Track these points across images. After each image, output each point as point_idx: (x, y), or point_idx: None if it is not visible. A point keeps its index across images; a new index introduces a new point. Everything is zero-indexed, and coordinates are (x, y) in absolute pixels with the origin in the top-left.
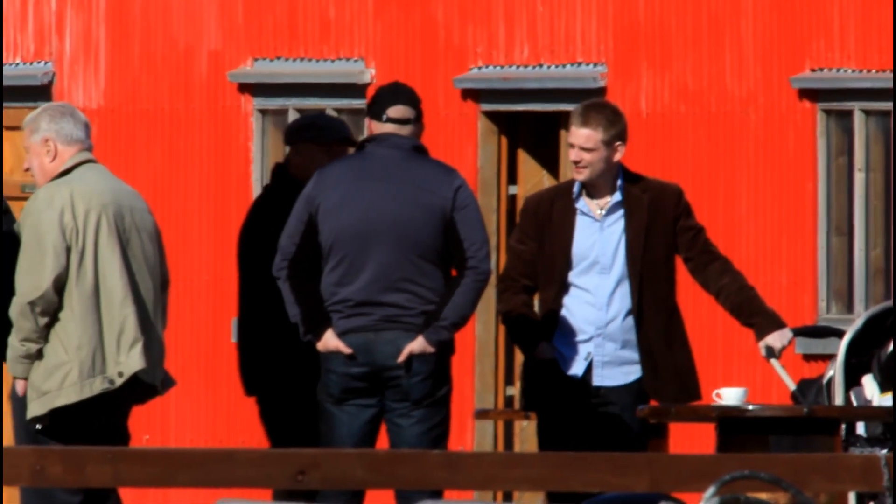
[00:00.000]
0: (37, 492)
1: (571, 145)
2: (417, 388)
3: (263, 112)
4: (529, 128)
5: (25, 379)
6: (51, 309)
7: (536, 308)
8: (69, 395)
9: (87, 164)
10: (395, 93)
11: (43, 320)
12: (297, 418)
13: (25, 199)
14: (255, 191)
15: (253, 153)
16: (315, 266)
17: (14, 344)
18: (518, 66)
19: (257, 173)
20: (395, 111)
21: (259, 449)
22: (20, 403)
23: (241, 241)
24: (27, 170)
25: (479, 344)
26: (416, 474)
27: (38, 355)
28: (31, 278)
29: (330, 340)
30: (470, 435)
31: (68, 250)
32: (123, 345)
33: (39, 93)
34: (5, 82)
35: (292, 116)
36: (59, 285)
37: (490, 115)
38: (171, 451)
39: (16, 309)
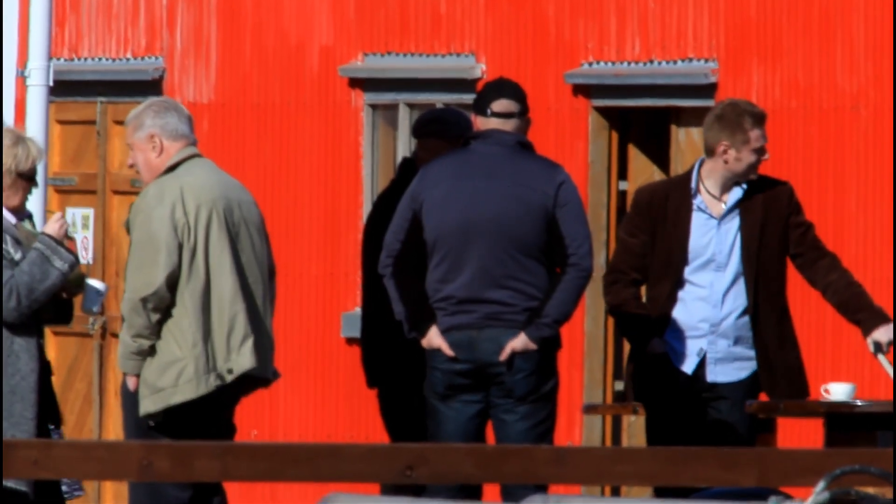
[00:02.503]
0: (146, 488)
1: (755, 149)
2: (521, 385)
3: (374, 107)
4: (640, 123)
5: (136, 376)
6: (163, 305)
7: (645, 301)
8: (185, 392)
9: (195, 159)
10: (500, 88)
11: (155, 317)
12: (417, 412)
13: (135, 194)
14: (366, 186)
15: (363, 148)
16: (420, 263)
17: (125, 340)
18: (629, 62)
19: (367, 168)
20: (499, 105)
21: (367, 444)
22: (131, 399)
23: (366, 235)
24: (131, 166)
25: (588, 338)
26: (524, 469)
27: (150, 352)
28: (143, 275)
29: (433, 338)
30: (578, 430)
31: (180, 247)
32: (234, 342)
33: (150, 87)
34: (116, 77)
35: (402, 111)
36: (172, 282)
37: (601, 111)
38: (279, 446)
39: (127, 305)
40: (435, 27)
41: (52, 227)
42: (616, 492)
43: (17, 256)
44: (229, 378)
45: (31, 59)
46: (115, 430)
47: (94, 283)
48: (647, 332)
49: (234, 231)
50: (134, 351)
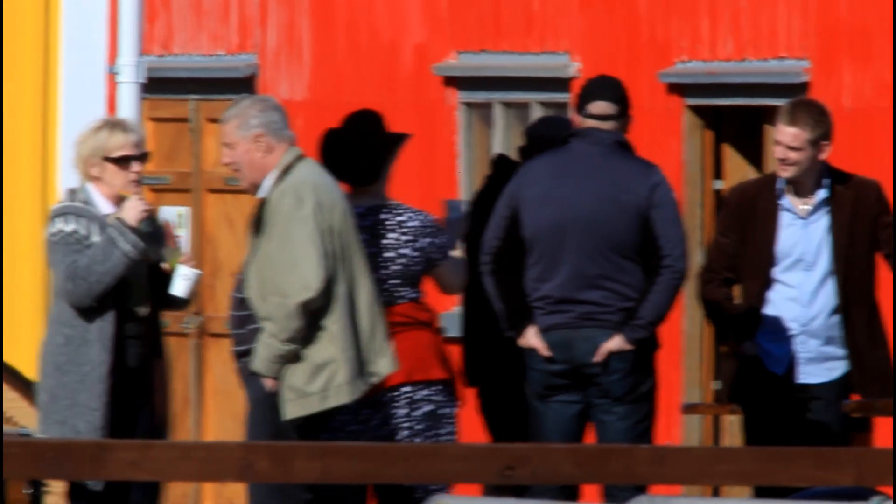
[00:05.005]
0: (269, 486)
1: (778, 143)
2: (618, 386)
3: (469, 105)
4: (734, 122)
5: (273, 378)
6: (314, 308)
7: (738, 301)
8: (340, 397)
9: (305, 160)
10: (601, 87)
11: (306, 321)
12: (517, 412)
13: (229, 192)
14: (462, 185)
15: (458, 146)
16: (518, 261)
17: (272, 344)
18: (722, 61)
19: (463, 167)
20: (596, 108)
21: (467, 444)
22: (263, 403)
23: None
24: (227, 164)
25: (687, 338)
26: (624, 469)
27: (296, 356)
28: (297, 278)
29: (530, 338)
30: (677, 429)
31: (326, 249)
32: (376, 345)
33: (242, 85)
34: (209, 74)
35: (497, 110)
36: (328, 284)
37: (695, 110)
38: (379, 447)
39: (281, 310)
40: (528, 25)
41: (127, 212)
42: (716, 492)
43: (95, 240)
44: (373, 382)
45: (122, 56)
46: (212, 430)
47: (184, 269)
48: (739, 333)
49: (357, 232)
50: (282, 354)
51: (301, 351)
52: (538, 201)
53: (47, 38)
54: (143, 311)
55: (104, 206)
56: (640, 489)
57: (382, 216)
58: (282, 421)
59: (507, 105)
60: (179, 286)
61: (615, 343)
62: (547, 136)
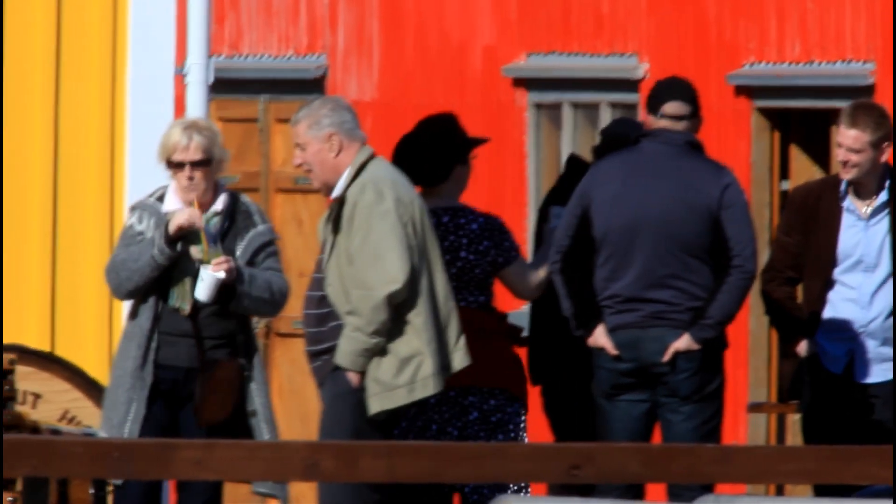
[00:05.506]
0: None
1: (839, 145)
2: (685, 385)
3: (538, 106)
4: (801, 124)
5: (357, 373)
6: (399, 301)
7: (799, 301)
8: (426, 389)
9: (378, 158)
10: (672, 88)
11: (391, 314)
12: (582, 411)
13: (298, 192)
14: (531, 185)
15: (528, 147)
16: (588, 260)
17: (359, 338)
18: (789, 63)
19: (532, 167)
20: (671, 108)
21: (533, 443)
22: (346, 399)
23: (538, 233)
24: (298, 165)
25: (753, 337)
26: (689, 468)
27: (382, 349)
28: (382, 271)
29: (599, 337)
30: (743, 428)
31: (409, 242)
32: (451, 339)
33: (312, 86)
34: (278, 75)
35: (566, 111)
36: (411, 277)
37: (763, 112)
38: (444, 446)
39: (368, 303)
40: (597, 27)
41: (176, 218)
42: (780, 490)
43: (149, 236)
44: (448, 374)
45: (190, 56)
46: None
47: (205, 272)
48: (798, 333)
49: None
50: (368, 348)
51: (386, 344)
52: (609, 201)
53: (115, 38)
54: (184, 309)
55: (174, 205)
56: (707, 488)
57: (444, 219)
58: (361, 417)
59: (576, 106)
60: (199, 288)
61: (683, 342)
62: (622, 136)
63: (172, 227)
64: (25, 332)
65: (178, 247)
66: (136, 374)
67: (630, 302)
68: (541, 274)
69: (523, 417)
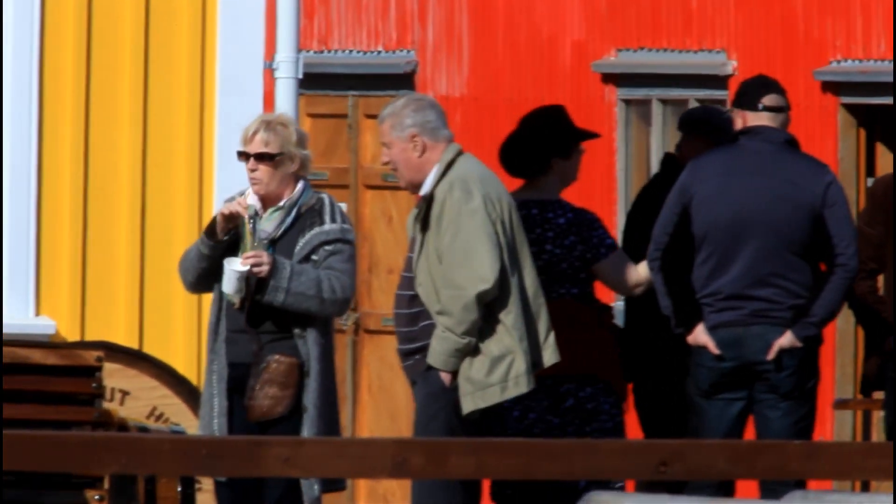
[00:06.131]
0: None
1: None
2: (786, 382)
3: (627, 102)
4: (887, 120)
5: (450, 373)
6: (490, 300)
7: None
8: (519, 387)
9: (466, 155)
10: (766, 82)
11: (482, 313)
12: (673, 408)
13: (387, 188)
14: (619, 181)
15: (617, 143)
16: (688, 257)
17: (450, 338)
18: (875, 60)
19: (621, 163)
20: (770, 100)
21: (622, 440)
22: (438, 399)
23: (627, 230)
24: (386, 163)
25: (839, 334)
26: (776, 464)
27: (474, 349)
28: (472, 270)
29: (700, 335)
30: (829, 425)
31: (498, 240)
32: (542, 336)
33: (402, 81)
34: (368, 70)
35: (655, 107)
36: (501, 276)
37: (849, 108)
38: (533, 443)
39: (458, 302)
40: (686, 23)
41: (224, 207)
42: (865, 486)
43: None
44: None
45: (280, 52)
46: (368, 426)
47: (226, 264)
48: (881, 327)
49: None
50: (460, 348)
51: (478, 343)
52: (711, 197)
53: (204, 33)
54: (234, 303)
55: (252, 198)
56: (799, 484)
57: (533, 211)
58: (454, 416)
59: (665, 102)
60: (224, 281)
61: (787, 340)
62: (706, 120)
63: (220, 219)
64: (114, 329)
65: (222, 238)
66: (210, 368)
67: (732, 299)
68: (641, 271)
69: (618, 407)
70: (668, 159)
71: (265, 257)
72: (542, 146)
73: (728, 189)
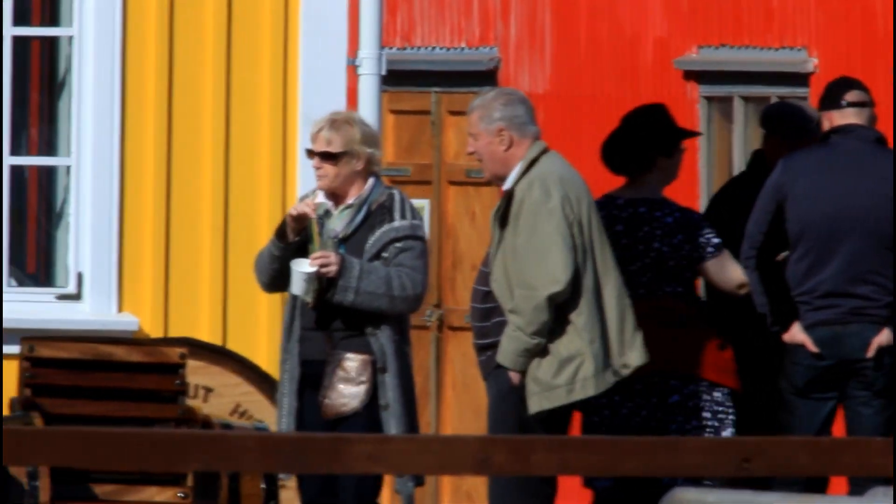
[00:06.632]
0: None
1: None
2: (882, 380)
3: (709, 99)
4: None
5: (520, 372)
6: (561, 301)
7: None
8: (586, 389)
9: (551, 153)
10: (848, 81)
11: (553, 314)
12: (762, 406)
13: (471, 184)
14: (702, 178)
15: (699, 141)
16: (775, 255)
17: (520, 337)
18: None
19: (703, 160)
20: (853, 96)
21: (704, 437)
22: (507, 397)
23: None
24: (471, 153)
25: None
26: (858, 461)
27: (543, 349)
28: (545, 271)
29: (797, 334)
30: None
31: (574, 242)
32: (626, 337)
33: (485, 78)
34: (451, 67)
35: (737, 104)
36: (574, 277)
37: None
38: (617, 440)
39: (529, 302)
40: (767, 20)
41: (292, 208)
42: None
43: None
44: (625, 373)
45: (363, 48)
46: (451, 423)
47: (293, 265)
48: None
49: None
50: (529, 348)
51: (547, 344)
52: (807, 195)
53: (287, 30)
54: (308, 301)
55: (321, 196)
56: (890, 480)
57: (640, 209)
58: (525, 415)
59: (747, 99)
60: (292, 283)
61: (885, 337)
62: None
63: (289, 220)
64: (197, 326)
65: (292, 239)
66: (283, 368)
67: (829, 297)
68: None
69: (724, 405)
70: (756, 156)
71: (333, 257)
72: (646, 145)
73: (824, 186)
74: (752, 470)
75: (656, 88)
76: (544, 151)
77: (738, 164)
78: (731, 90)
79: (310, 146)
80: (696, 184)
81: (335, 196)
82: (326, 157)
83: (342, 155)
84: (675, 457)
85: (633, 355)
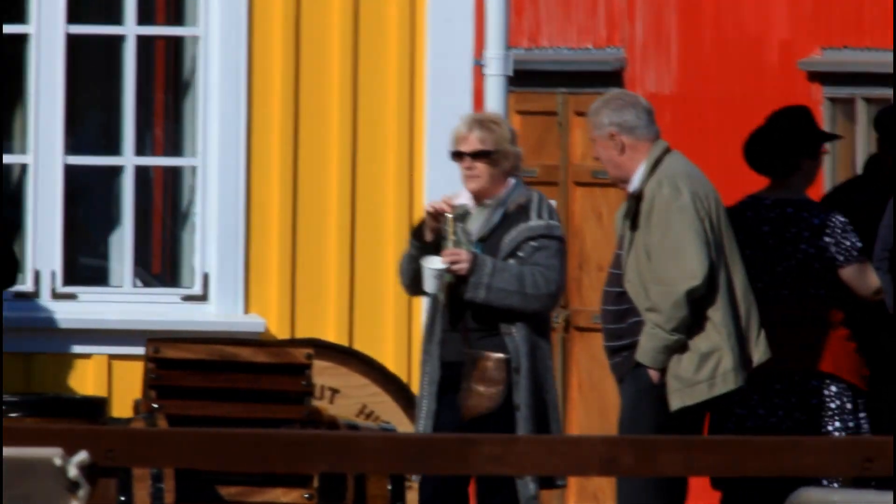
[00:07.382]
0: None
1: None
2: None
3: (833, 101)
4: None
5: (658, 371)
6: (698, 297)
7: None
8: (727, 383)
9: (674, 152)
10: None
11: (691, 310)
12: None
13: (597, 185)
14: (826, 180)
15: None
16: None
17: (659, 335)
18: None
19: (828, 162)
20: None
21: (827, 437)
22: (646, 396)
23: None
24: (597, 159)
25: None
26: None
27: (682, 346)
28: (682, 267)
29: None
30: None
31: (707, 237)
32: (753, 333)
33: (611, 79)
34: (577, 67)
35: (860, 106)
36: (710, 273)
37: None
38: (741, 440)
39: (668, 299)
40: (889, 22)
41: (428, 205)
42: None
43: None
44: (750, 369)
45: (489, 49)
46: (577, 424)
47: (424, 263)
48: None
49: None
50: (669, 345)
51: (686, 340)
52: None
53: (414, 31)
54: (441, 300)
55: (464, 197)
56: None
57: (788, 210)
58: (662, 415)
59: (869, 101)
60: (425, 281)
61: None
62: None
63: (426, 218)
64: (324, 326)
65: (429, 238)
66: (424, 370)
67: None
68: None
69: (862, 407)
70: (871, 160)
71: (463, 254)
72: (793, 146)
73: None
74: (874, 470)
75: (781, 90)
76: (667, 151)
77: (861, 166)
78: (854, 92)
79: (455, 148)
80: (820, 185)
81: (479, 197)
82: (480, 156)
83: (494, 154)
84: (799, 457)
85: (757, 353)
